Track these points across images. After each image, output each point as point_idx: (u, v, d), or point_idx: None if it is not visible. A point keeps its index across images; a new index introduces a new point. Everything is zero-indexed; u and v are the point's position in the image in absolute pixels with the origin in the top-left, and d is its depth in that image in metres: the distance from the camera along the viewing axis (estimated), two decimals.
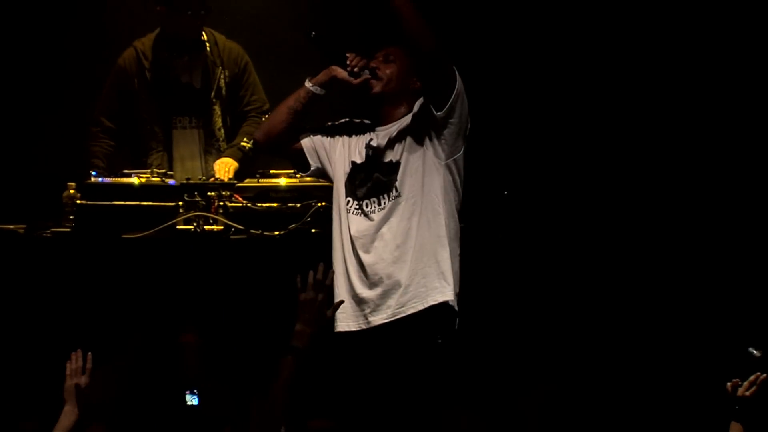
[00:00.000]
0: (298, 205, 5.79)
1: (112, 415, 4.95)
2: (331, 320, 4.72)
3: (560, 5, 6.90)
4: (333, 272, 4.79)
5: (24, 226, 5.88)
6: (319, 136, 5.24)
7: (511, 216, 6.32)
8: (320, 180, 5.51)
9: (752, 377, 4.72)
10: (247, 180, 5.95)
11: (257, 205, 5.82)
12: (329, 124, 5.28)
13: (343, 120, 5.28)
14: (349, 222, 5.09)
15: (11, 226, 5.90)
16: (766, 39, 6.68)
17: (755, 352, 4.82)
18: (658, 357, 6.05)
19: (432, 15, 4.92)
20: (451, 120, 5.01)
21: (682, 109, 6.72)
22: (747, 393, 4.71)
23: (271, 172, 5.91)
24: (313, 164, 5.24)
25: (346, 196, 5.12)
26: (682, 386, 5.98)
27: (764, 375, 4.72)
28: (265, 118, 6.03)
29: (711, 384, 5.13)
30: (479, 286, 5.85)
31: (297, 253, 5.59)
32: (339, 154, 5.20)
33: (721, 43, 6.71)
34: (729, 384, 4.76)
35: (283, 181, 5.87)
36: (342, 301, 4.88)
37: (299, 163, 5.27)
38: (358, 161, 5.15)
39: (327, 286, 4.57)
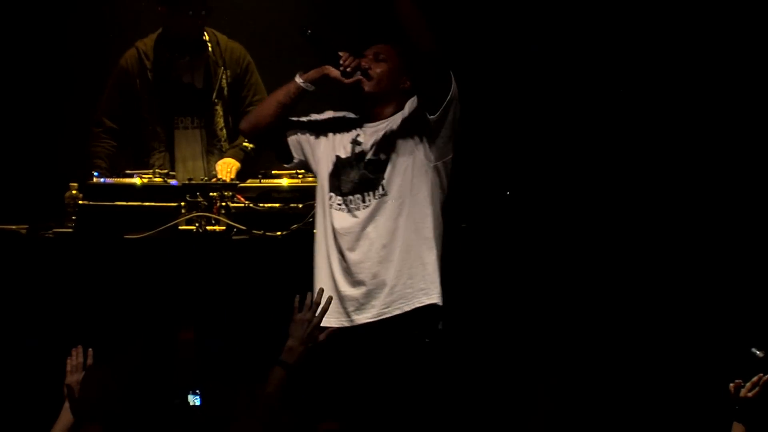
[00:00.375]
0: (300, 205, 5.78)
1: (108, 414, 4.94)
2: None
3: (561, 5, 6.90)
4: (331, 297, 4.84)
5: (26, 226, 5.88)
6: (304, 129, 5.25)
7: (513, 216, 6.32)
8: None
9: (755, 378, 4.71)
10: (249, 180, 5.95)
11: (259, 206, 5.81)
12: (315, 116, 5.28)
13: (328, 112, 5.29)
14: (332, 217, 5.10)
15: (14, 227, 5.91)
16: (766, 39, 6.68)
17: (758, 352, 4.81)
18: (660, 358, 6.04)
19: (433, 17, 4.93)
20: (443, 123, 5.02)
21: (682, 109, 6.71)
22: (749, 394, 4.70)
23: (273, 172, 5.91)
24: (297, 157, 5.26)
25: (329, 191, 5.13)
26: (685, 387, 5.98)
27: (767, 376, 4.71)
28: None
29: (714, 385, 5.12)
30: (481, 286, 5.85)
31: (299, 253, 5.58)
32: (323, 148, 5.21)
33: (721, 43, 6.70)
34: (732, 385, 4.75)
35: (285, 182, 5.87)
36: (334, 329, 4.87)
37: (282, 154, 5.29)
38: (343, 156, 5.16)
39: (323, 309, 4.63)
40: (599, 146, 6.73)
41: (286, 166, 5.37)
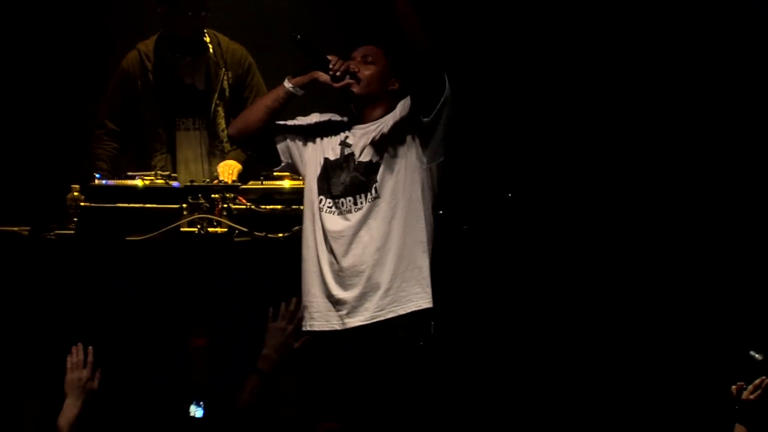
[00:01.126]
0: (302, 207, 5.77)
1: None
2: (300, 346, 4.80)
3: (561, 6, 6.91)
4: (305, 306, 4.88)
5: (28, 228, 5.88)
6: (291, 132, 5.23)
7: (514, 218, 6.32)
8: None
9: (757, 381, 4.72)
10: (250, 182, 5.96)
11: (261, 207, 5.82)
12: (301, 119, 5.27)
13: (314, 115, 5.28)
14: (322, 221, 5.09)
15: (15, 228, 5.91)
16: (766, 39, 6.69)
17: (756, 355, 4.82)
18: (662, 360, 6.05)
19: (431, 19, 4.94)
20: (437, 125, 5.02)
21: (682, 110, 6.72)
22: (751, 396, 4.71)
23: (275, 174, 5.91)
24: (284, 160, 5.25)
25: (319, 195, 5.13)
26: (687, 389, 5.99)
27: None
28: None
29: (716, 387, 5.13)
30: (482, 288, 5.86)
31: (300, 255, 5.58)
32: (311, 150, 5.20)
33: (720, 43, 6.71)
34: (734, 387, 4.76)
35: (286, 183, 5.87)
36: (310, 337, 4.86)
37: (269, 158, 5.28)
38: (332, 158, 5.15)
39: (298, 318, 4.65)
40: (600, 147, 6.73)
41: (273, 169, 5.36)
